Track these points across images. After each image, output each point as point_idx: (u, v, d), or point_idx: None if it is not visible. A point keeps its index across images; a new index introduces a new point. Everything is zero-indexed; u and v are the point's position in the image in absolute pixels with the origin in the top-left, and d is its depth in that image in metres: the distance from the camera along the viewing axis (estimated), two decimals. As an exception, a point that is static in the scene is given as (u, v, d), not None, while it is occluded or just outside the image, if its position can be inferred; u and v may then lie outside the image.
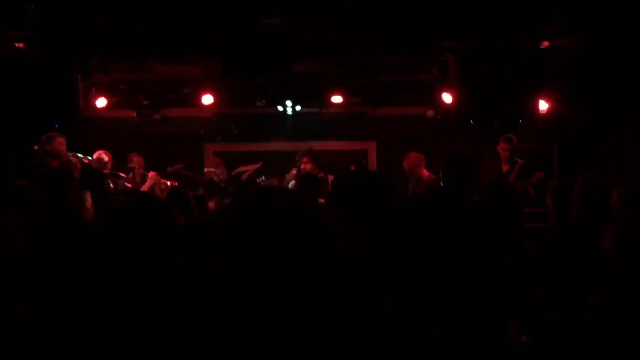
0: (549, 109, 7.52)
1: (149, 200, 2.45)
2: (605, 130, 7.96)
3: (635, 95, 7.21)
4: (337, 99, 7.63)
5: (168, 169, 7.01)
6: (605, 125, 7.90)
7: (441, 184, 4.06)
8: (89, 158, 6.41)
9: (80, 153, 6.44)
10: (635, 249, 3.14)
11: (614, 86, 7.26)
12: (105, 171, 6.44)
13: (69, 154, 6.24)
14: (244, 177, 7.11)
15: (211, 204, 6.24)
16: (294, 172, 6.80)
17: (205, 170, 7.27)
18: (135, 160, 7.07)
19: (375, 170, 6.81)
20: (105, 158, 6.44)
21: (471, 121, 7.59)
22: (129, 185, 6.49)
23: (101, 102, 7.43)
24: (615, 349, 3.19)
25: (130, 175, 6.95)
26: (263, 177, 7.11)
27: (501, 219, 3.87)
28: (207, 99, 7.46)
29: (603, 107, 7.49)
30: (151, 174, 6.81)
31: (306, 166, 6.74)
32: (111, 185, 6.47)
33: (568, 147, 8.39)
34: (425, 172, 6.66)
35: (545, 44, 7.17)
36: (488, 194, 4.29)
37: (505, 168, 6.79)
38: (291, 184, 6.58)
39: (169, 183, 6.73)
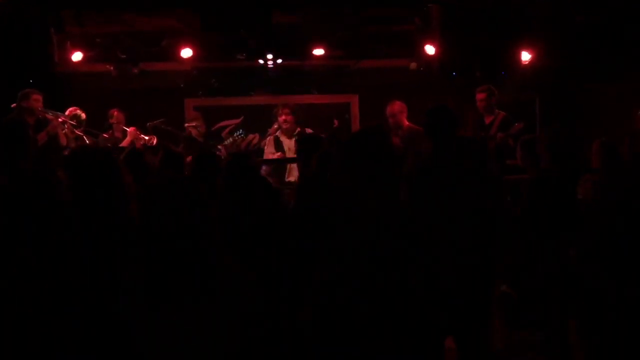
0: (531, 60, 7.48)
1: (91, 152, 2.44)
2: (587, 82, 7.96)
3: (617, 47, 7.18)
4: (319, 51, 7.51)
5: (148, 124, 6.91)
6: (587, 77, 7.89)
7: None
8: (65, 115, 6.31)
9: (57, 109, 6.33)
10: (612, 197, 3.17)
11: (597, 38, 7.22)
12: (81, 129, 6.36)
13: (45, 111, 6.13)
14: (223, 133, 7.04)
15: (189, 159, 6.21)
16: (276, 126, 6.74)
17: (185, 125, 7.17)
18: (116, 116, 6.96)
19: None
20: (82, 115, 6.33)
21: (453, 73, 7.53)
22: (108, 144, 6.40)
23: (77, 57, 7.24)
24: (594, 297, 3.24)
25: (110, 132, 6.86)
26: (241, 131, 7.04)
27: (477, 174, 3.85)
28: (186, 53, 7.30)
29: (585, 58, 7.46)
30: (130, 129, 6.72)
31: (287, 117, 6.67)
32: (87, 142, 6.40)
33: (550, 98, 8.39)
34: (406, 122, 6.65)
35: (529, -7, 7.08)
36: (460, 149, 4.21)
37: (487, 120, 6.76)
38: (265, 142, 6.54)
39: (147, 138, 6.65)
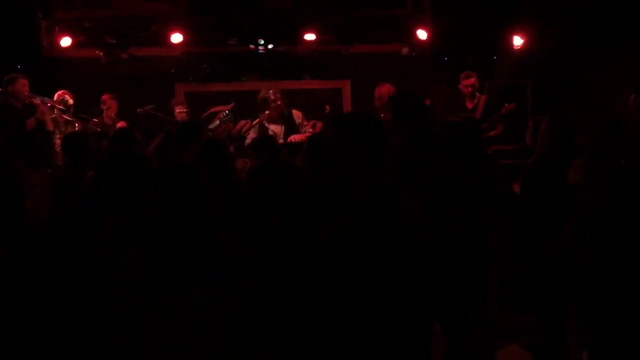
0: (523, 45, 7.47)
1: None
2: (579, 66, 7.95)
3: (610, 31, 7.17)
4: (310, 36, 7.46)
5: (138, 110, 6.85)
6: (579, 62, 7.88)
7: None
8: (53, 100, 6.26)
9: (45, 95, 6.27)
10: (603, 181, 3.17)
11: (589, 22, 7.21)
12: (69, 113, 6.30)
13: (32, 95, 6.08)
14: (202, 116, 6.99)
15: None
16: (267, 112, 6.69)
17: (177, 110, 7.11)
18: (108, 103, 6.90)
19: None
20: (70, 100, 6.27)
21: (445, 58, 7.51)
22: (98, 129, 6.35)
23: (65, 42, 7.16)
24: (586, 280, 3.25)
25: (100, 117, 6.80)
26: (227, 112, 6.98)
27: (467, 158, 3.82)
28: (177, 38, 7.24)
29: (578, 43, 7.45)
30: (120, 124, 6.67)
31: (281, 102, 6.64)
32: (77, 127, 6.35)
33: (542, 83, 8.38)
34: None
35: (522, -23, 7.07)
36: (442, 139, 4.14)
37: (469, 105, 6.75)
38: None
39: None
